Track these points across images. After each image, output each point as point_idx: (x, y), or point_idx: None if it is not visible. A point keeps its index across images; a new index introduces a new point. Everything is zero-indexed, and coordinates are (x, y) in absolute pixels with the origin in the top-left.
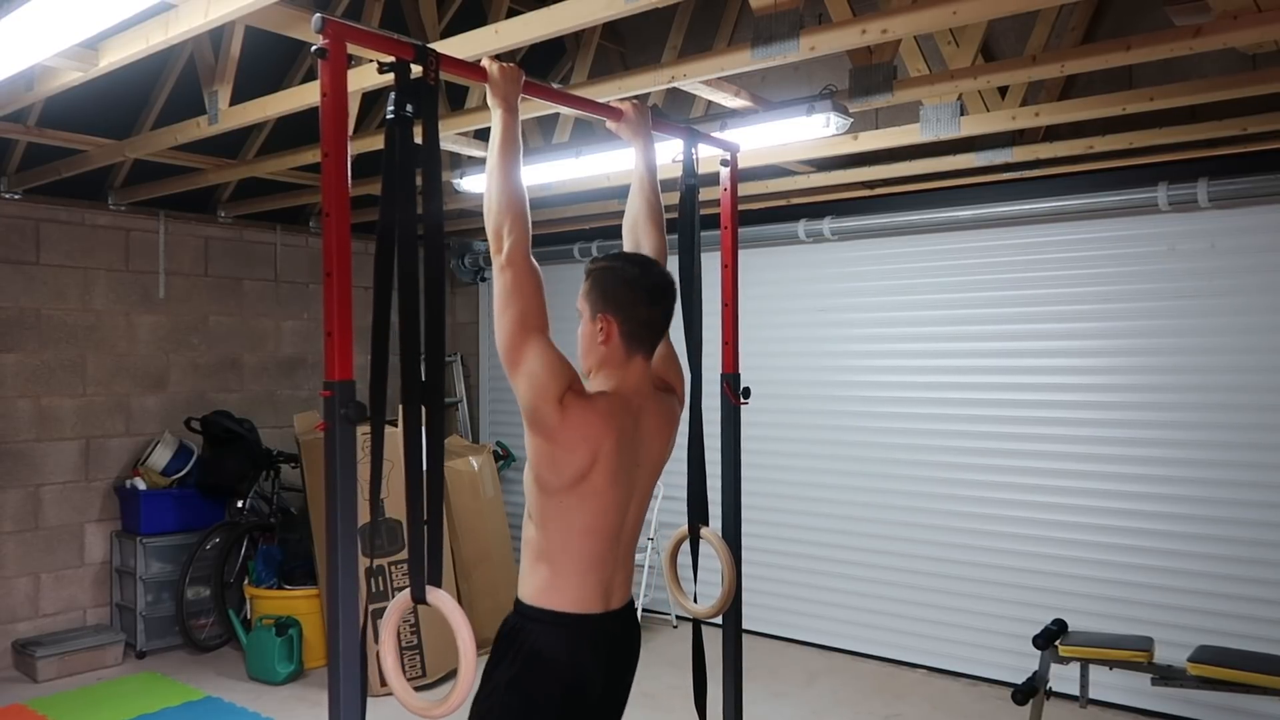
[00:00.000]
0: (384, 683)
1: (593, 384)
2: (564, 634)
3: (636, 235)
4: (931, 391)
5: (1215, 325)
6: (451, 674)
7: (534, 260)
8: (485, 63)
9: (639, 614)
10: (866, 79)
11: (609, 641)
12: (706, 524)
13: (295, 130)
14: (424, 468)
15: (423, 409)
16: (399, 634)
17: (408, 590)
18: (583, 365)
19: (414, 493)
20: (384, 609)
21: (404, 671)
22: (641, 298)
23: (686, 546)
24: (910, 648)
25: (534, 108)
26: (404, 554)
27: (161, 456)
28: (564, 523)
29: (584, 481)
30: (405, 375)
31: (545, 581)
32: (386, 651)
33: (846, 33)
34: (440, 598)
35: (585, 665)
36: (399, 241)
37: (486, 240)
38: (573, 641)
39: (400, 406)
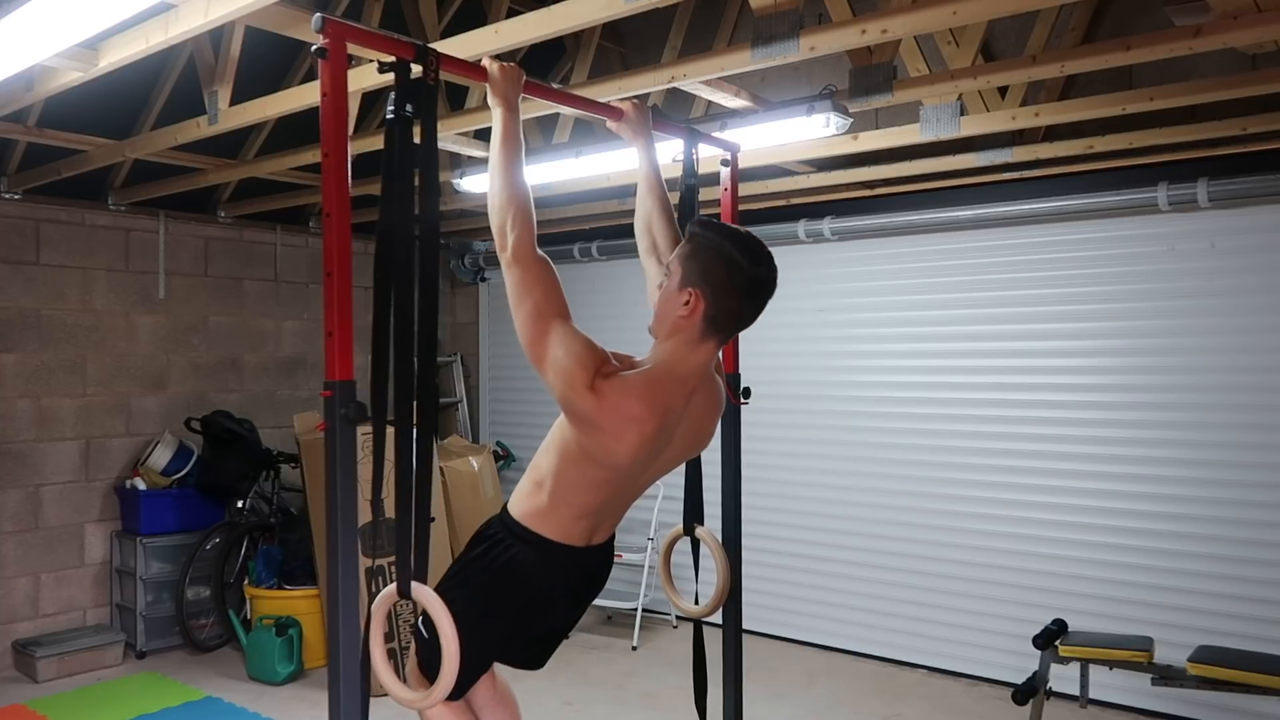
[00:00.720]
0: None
1: (651, 352)
2: (541, 559)
3: (651, 234)
4: (931, 391)
5: (1215, 325)
6: None
7: (541, 252)
8: (486, 62)
9: (639, 613)
10: (866, 79)
11: (580, 574)
12: (701, 523)
13: (295, 130)
14: (412, 463)
15: (413, 404)
16: (399, 634)
17: (394, 585)
18: (652, 326)
19: (402, 490)
20: None
21: (401, 670)
22: (740, 287)
23: (686, 546)
24: (910, 648)
25: (534, 108)
26: None
27: (161, 457)
28: (578, 482)
29: (614, 457)
30: (398, 373)
31: (539, 508)
32: (374, 644)
33: (846, 33)
34: (423, 593)
35: (552, 591)
36: (398, 241)
37: (486, 240)
38: (547, 566)
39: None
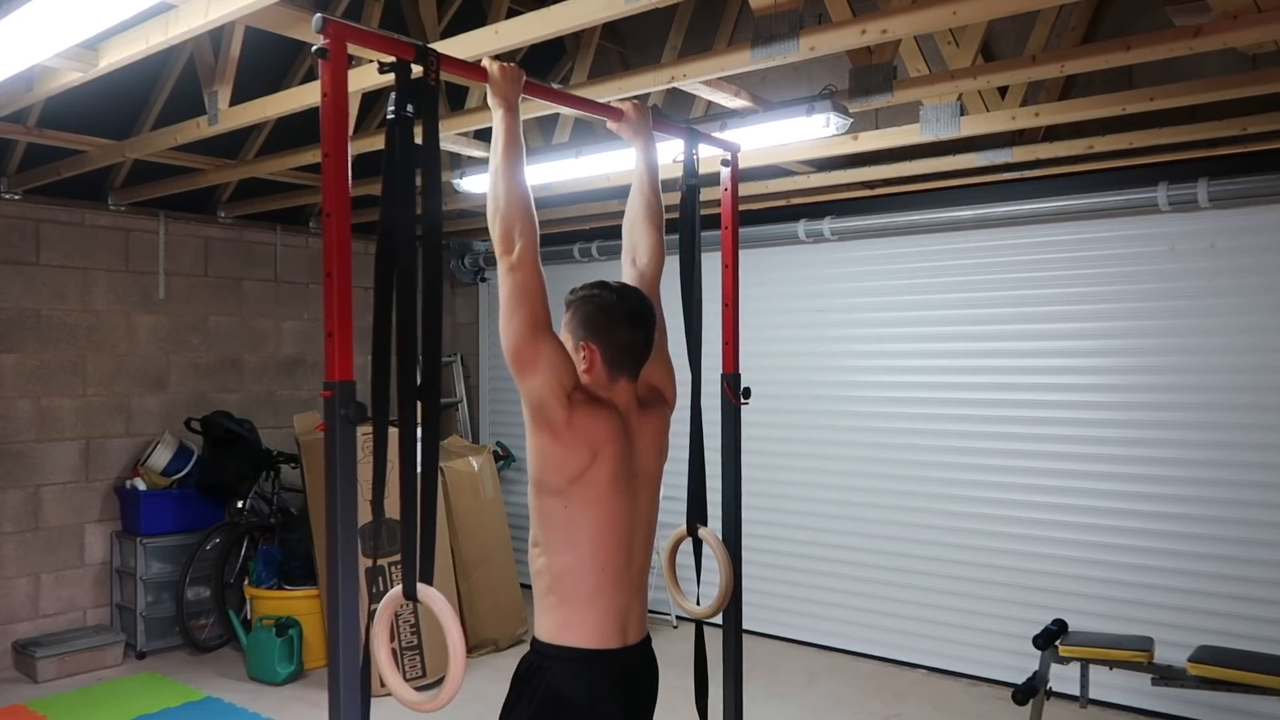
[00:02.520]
0: (381, 681)
1: None
2: (582, 672)
3: (634, 235)
4: (931, 391)
5: (1215, 325)
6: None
7: (539, 260)
8: (486, 63)
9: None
10: (866, 79)
11: (627, 679)
12: (705, 524)
13: (295, 130)
14: (418, 467)
15: (418, 405)
16: (400, 634)
17: (399, 586)
18: None
19: (407, 491)
20: None
21: (404, 671)
22: (620, 322)
23: (688, 547)
24: (910, 648)
25: (534, 108)
26: None
27: (161, 457)
28: (569, 532)
29: (584, 478)
30: (401, 374)
31: (559, 616)
32: (379, 646)
33: (846, 33)
34: (430, 594)
35: (604, 706)
36: (399, 242)
37: (486, 241)
38: (591, 681)
39: (396, 405)
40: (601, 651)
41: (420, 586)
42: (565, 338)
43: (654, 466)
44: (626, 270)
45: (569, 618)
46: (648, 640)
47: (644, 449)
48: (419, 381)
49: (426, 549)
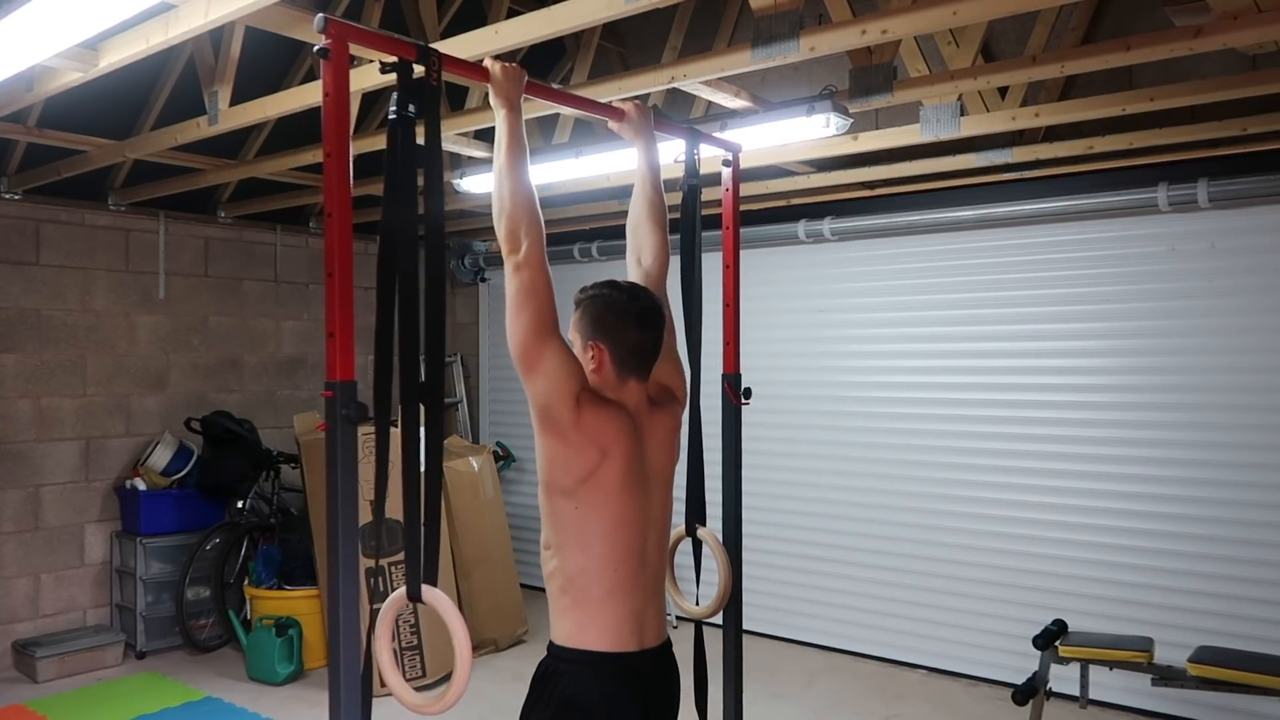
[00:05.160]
0: (383, 684)
1: None
2: (598, 676)
3: (639, 235)
4: (931, 391)
5: (1215, 325)
6: (451, 674)
7: (546, 260)
8: (487, 62)
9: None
10: (866, 79)
11: (645, 683)
12: (704, 524)
13: (295, 130)
14: (421, 467)
15: (420, 407)
16: (399, 634)
17: (404, 588)
18: None
19: (411, 492)
20: None
21: (404, 671)
22: (630, 323)
23: (687, 547)
24: (910, 648)
25: (535, 108)
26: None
27: (161, 457)
28: (581, 534)
29: (593, 478)
30: (404, 375)
31: (574, 619)
32: (381, 647)
33: (846, 33)
34: (436, 596)
35: (622, 710)
36: (401, 242)
37: (487, 241)
38: (608, 685)
39: (399, 406)
40: (618, 655)
41: (425, 588)
42: (574, 337)
43: (666, 466)
44: (632, 270)
45: (584, 620)
46: (668, 644)
47: (655, 448)
48: (421, 381)
49: (431, 550)
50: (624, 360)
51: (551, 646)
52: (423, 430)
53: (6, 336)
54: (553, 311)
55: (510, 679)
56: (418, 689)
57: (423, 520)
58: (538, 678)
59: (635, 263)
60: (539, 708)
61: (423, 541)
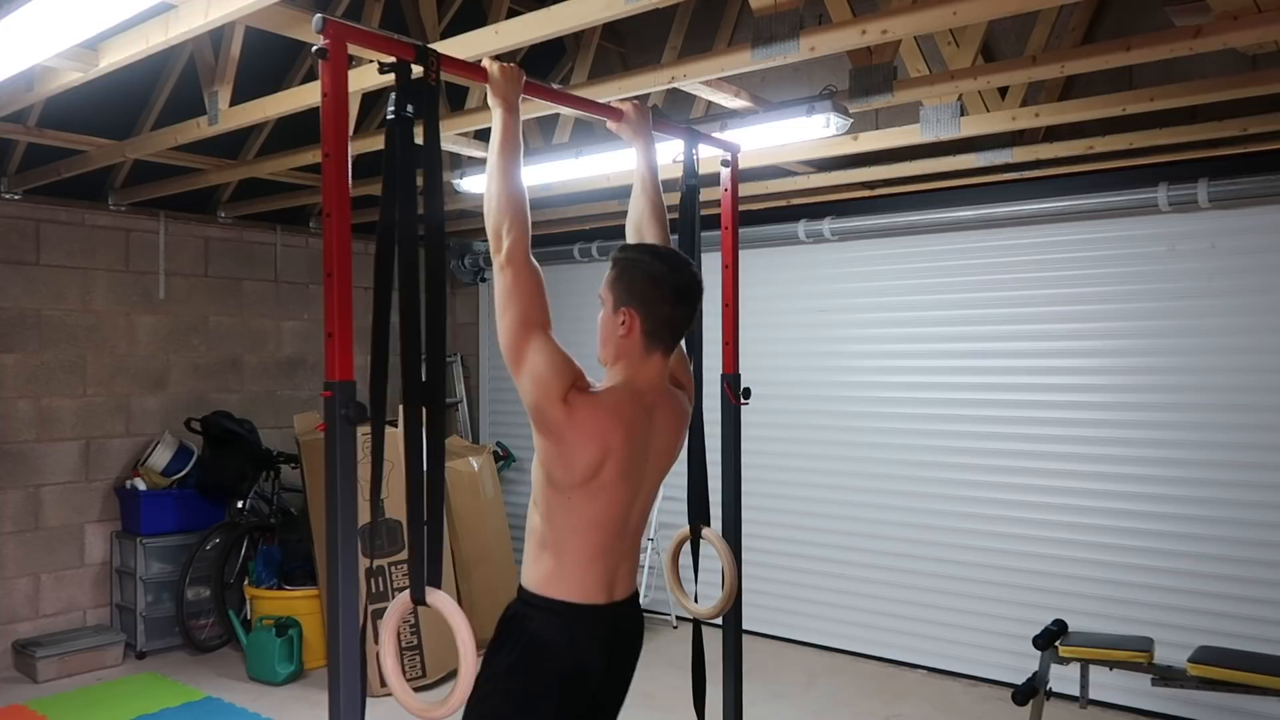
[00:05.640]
0: (384, 683)
1: (607, 376)
2: (565, 623)
3: (641, 235)
4: (931, 391)
5: (1215, 325)
6: (452, 674)
7: (534, 259)
8: (486, 63)
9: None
10: (866, 79)
11: (610, 632)
12: (708, 524)
13: (295, 130)
14: (424, 468)
15: (423, 409)
16: (399, 634)
17: (408, 591)
18: (600, 354)
19: (414, 493)
20: (384, 609)
21: (404, 672)
22: (667, 295)
23: (688, 547)
24: (910, 648)
25: (534, 108)
26: (404, 554)
27: (161, 457)
28: (570, 517)
29: (595, 479)
30: (406, 376)
31: (549, 570)
32: (386, 653)
33: (846, 33)
34: (440, 599)
35: (585, 655)
36: (399, 242)
37: (487, 240)
38: (573, 631)
39: (401, 407)
40: (586, 605)
41: (429, 590)
42: (605, 296)
43: (669, 449)
44: None
45: (558, 573)
46: (635, 596)
47: (662, 430)
48: (422, 382)
49: (434, 552)
50: (655, 331)
51: (522, 591)
52: (424, 432)
53: (6, 336)
54: (540, 309)
55: None
56: (418, 689)
57: (425, 522)
58: (506, 619)
59: None
60: (505, 650)
61: (425, 543)
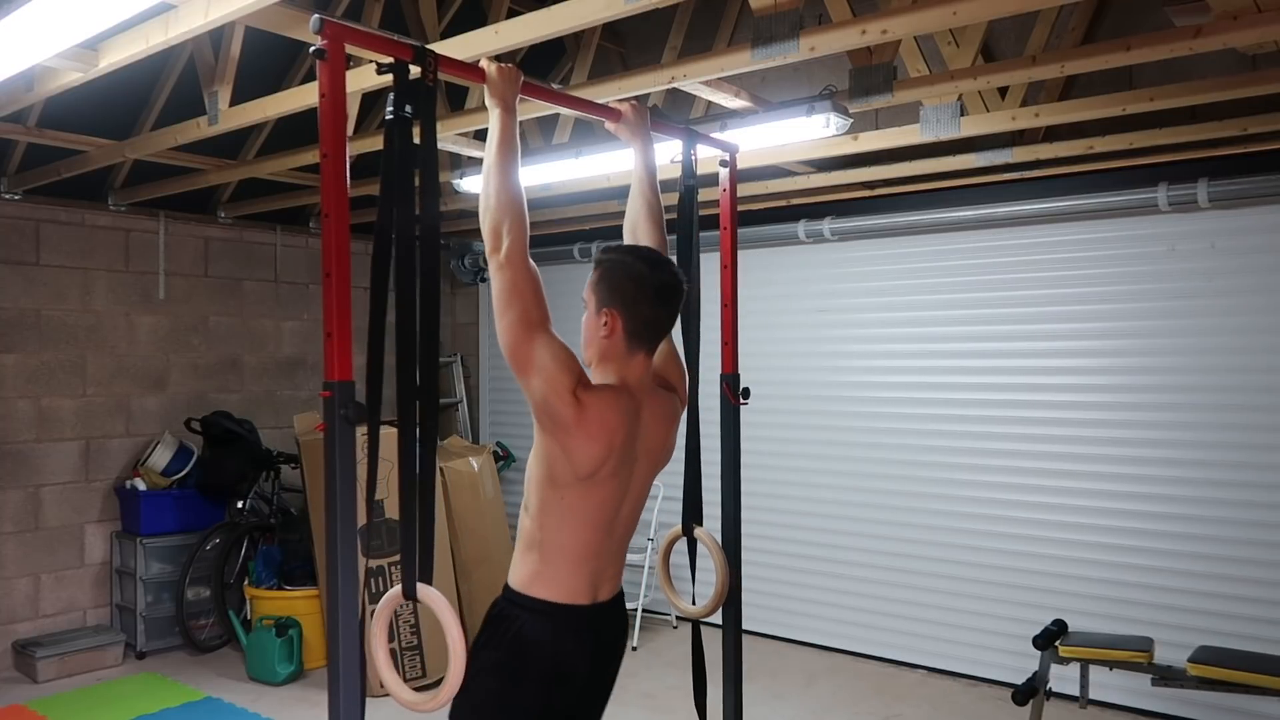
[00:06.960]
0: (381, 683)
1: (596, 375)
2: (550, 623)
3: (636, 236)
4: (931, 392)
5: (1215, 325)
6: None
7: (531, 259)
8: (483, 63)
9: (638, 613)
10: (866, 79)
11: (594, 633)
12: (700, 524)
13: (295, 131)
14: (417, 467)
15: (416, 405)
16: (399, 635)
17: (399, 586)
18: (584, 355)
19: (406, 489)
20: None
21: (404, 672)
22: (648, 296)
23: (684, 546)
24: (910, 648)
25: (534, 108)
26: None
27: (161, 457)
28: (563, 515)
29: (594, 476)
30: (400, 375)
31: (535, 570)
32: (377, 646)
33: (846, 33)
34: (430, 594)
35: (569, 654)
36: (398, 242)
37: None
38: (558, 631)
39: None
40: (571, 606)
41: (420, 586)
42: (588, 298)
43: (659, 446)
44: None
45: (544, 573)
46: (619, 596)
47: (652, 428)
48: (418, 382)
49: (425, 548)
50: (636, 332)
51: (508, 590)
52: (418, 430)
53: (6, 336)
54: (540, 308)
55: None
56: (418, 689)
57: (418, 519)
58: (492, 617)
59: None
60: (490, 647)
61: (417, 540)
